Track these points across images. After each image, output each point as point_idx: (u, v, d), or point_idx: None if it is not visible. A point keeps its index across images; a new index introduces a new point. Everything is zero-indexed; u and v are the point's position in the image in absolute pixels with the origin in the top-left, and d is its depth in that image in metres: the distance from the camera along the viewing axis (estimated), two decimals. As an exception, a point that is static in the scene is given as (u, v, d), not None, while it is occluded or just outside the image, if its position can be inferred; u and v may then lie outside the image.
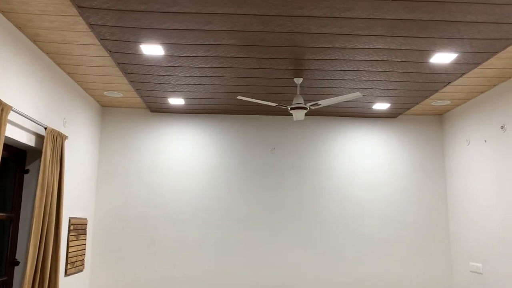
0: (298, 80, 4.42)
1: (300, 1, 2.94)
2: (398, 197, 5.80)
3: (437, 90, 4.78)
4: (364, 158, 5.86)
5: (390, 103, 5.26)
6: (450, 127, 5.78)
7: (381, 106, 5.37)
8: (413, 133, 5.96)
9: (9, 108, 3.12)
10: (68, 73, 4.46)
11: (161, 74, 4.34)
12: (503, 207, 4.59)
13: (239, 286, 5.49)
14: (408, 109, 5.54)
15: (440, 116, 5.99)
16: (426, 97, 5.04)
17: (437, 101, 5.27)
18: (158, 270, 5.46)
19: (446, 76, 4.33)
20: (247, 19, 3.19)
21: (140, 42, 3.62)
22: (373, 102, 5.25)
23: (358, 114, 5.77)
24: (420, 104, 5.42)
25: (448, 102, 5.30)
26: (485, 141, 4.95)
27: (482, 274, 4.97)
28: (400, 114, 5.80)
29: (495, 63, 4.03)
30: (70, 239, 4.64)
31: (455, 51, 3.73)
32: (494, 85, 4.69)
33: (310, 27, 3.32)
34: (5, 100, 3.28)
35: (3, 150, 3.60)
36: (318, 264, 5.60)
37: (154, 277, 5.44)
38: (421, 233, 5.74)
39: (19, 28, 3.44)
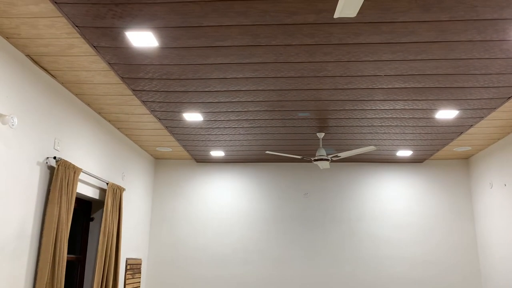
0: (320, 135, 5.00)
1: (308, 79, 3.57)
2: (427, 238, 6.09)
3: (452, 139, 5.17)
4: (393, 201, 6.24)
5: (412, 150, 5.69)
6: (475, 170, 6.06)
7: (404, 153, 5.80)
8: (440, 177, 6.28)
9: (80, 170, 3.94)
10: (126, 135, 5.32)
11: (202, 134, 5.09)
12: (522, 249, 4.81)
13: (277, 322, 5.94)
14: (431, 155, 5.92)
15: (466, 160, 6.30)
16: (444, 145, 5.43)
17: (458, 147, 5.62)
18: (204, 306, 6.05)
19: (456, 127, 4.75)
20: (267, 93, 3.87)
21: (182, 112, 4.39)
22: (396, 150, 5.70)
23: (386, 160, 6.21)
24: (444, 150, 5.78)
25: (469, 148, 5.64)
26: (505, 185, 5.23)
27: (510, 314, 5.13)
28: (426, 159, 6.17)
29: (500, 115, 4.42)
30: (127, 277, 5.36)
31: (456, 109, 4.19)
32: (508, 133, 5.02)
33: (321, 96, 3.94)
34: (76, 164, 4.12)
35: (74, 202, 4.43)
36: (351, 302, 5.95)
37: (200, 313, 6.02)
38: (452, 273, 5.96)
39: (88, 104, 4.32)
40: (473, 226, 6.10)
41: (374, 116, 4.44)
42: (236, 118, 4.56)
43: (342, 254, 6.12)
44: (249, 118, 4.56)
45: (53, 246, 3.46)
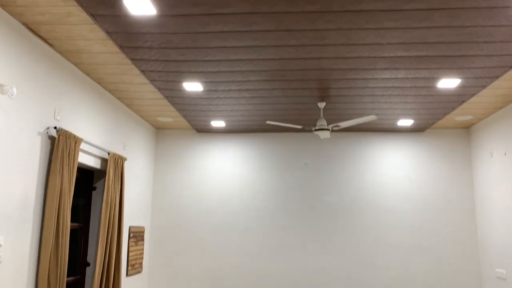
0: (322, 104, 4.98)
1: (309, 48, 3.52)
2: (426, 207, 6.16)
3: (454, 108, 5.15)
4: (393, 170, 6.28)
5: (413, 120, 5.67)
6: (476, 139, 6.07)
7: (405, 122, 5.78)
8: (441, 146, 6.29)
9: (81, 140, 3.94)
10: (127, 104, 5.30)
11: (202, 103, 5.07)
12: (520, 217, 4.87)
13: (275, 284, 6.10)
14: (433, 124, 5.91)
15: (467, 129, 6.29)
16: (445, 114, 5.41)
17: (460, 116, 5.60)
18: (206, 269, 6.18)
19: (458, 96, 4.72)
20: (267, 62, 3.83)
21: (182, 82, 4.36)
22: (397, 119, 5.68)
23: (386, 129, 6.21)
24: (445, 119, 5.76)
25: (471, 116, 5.62)
26: (505, 154, 5.24)
27: (506, 279, 5.24)
28: (427, 128, 6.16)
29: (503, 84, 4.38)
30: (130, 245, 5.46)
31: (458, 78, 4.15)
32: (510, 102, 4.99)
33: (322, 65, 3.89)
34: (77, 134, 4.12)
35: (76, 172, 4.45)
36: (349, 268, 6.07)
37: (202, 275, 6.16)
38: (450, 240, 6.05)
39: (87, 74, 4.28)
40: (472, 194, 6.15)
41: (375, 85, 4.41)
42: (237, 88, 4.53)
43: (342, 222, 6.20)
44: (250, 88, 4.53)
45: (56, 215, 3.51)
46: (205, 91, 4.62)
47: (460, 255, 6.01)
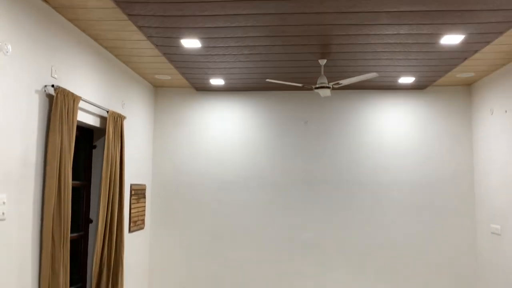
0: (322, 62, 4.90)
1: (311, 2, 3.43)
2: (425, 165, 6.20)
3: (456, 65, 5.08)
4: (394, 129, 6.28)
5: (414, 77, 5.61)
6: (477, 97, 6.03)
7: (406, 80, 5.72)
8: (441, 104, 6.26)
9: (79, 98, 3.91)
10: (124, 62, 5.21)
11: (201, 61, 4.99)
12: (517, 174, 4.92)
13: (275, 241, 6.23)
14: (434, 81, 5.85)
15: (468, 87, 6.23)
16: (447, 71, 5.35)
17: (461, 73, 5.54)
18: (206, 226, 6.31)
19: (461, 53, 4.64)
20: (267, 17, 3.73)
21: (180, 38, 4.27)
22: (398, 77, 5.62)
23: (387, 87, 6.15)
24: (446, 76, 5.70)
25: (472, 74, 5.56)
26: (506, 111, 5.22)
27: (500, 235, 5.35)
28: (428, 86, 6.11)
29: (507, 40, 4.30)
30: (132, 202, 5.54)
31: (461, 33, 4.06)
32: (513, 58, 4.92)
33: (323, 20, 3.80)
34: (75, 92, 4.08)
35: (76, 130, 4.45)
36: (347, 226, 6.19)
37: (202, 232, 6.29)
38: (448, 198, 6.14)
39: (83, 30, 4.19)
40: (471, 152, 6.18)
41: (377, 42, 4.32)
42: (236, 45, 4.45)
43: (341, 180, 6.26)
44: (249, 45, 4.44)
45: (57, 173, 3.53)
46: (203, 47, 4.54)
47: (457, 212, 6.12)
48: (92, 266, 4.40)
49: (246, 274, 6.23)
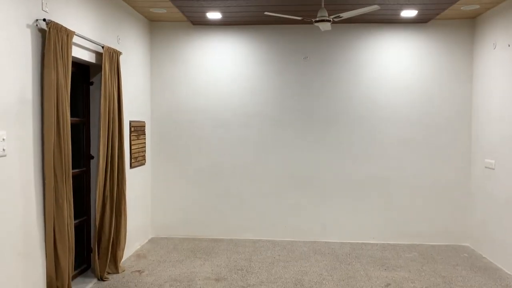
0: (322, -7, 4.73)
1: None
2: (424, 101, 6.18)
3: (460, -3, 4.91)
4: (394, 64, 6.19)
5: (417, 9, 5.44)
6: (480, 31, 5.88)
7: (409, 13, 5.55)
8: (444, 37, 6.12)
9: (73, 33, 3.82)
10: (117, -5, 5.04)
11: (197, -7, 4.82)
12: (515, 109, 4.92)
13: (272, 176, 6.37)
14: (437, 14, 5.68)
15: (472, 20, 6.06)
16: (451, 3, 5.17)
17: (466, 5, 5.36)
18: (206, 161, 6.42)
19: (466, -16, 4.46)
20: None
21: (174, -32, 4.09)
22: (400, 10, 5.45)
23: (389, 20, 5.98)
24: (450, 9, 5.52)
25: (477, 6, 5.38)
26: (509, 45, 5.12)
27: (494, 169, 5.46)
28: (431, 19, 5.94)
29: (515, -31, 4.12)
30: (132, 139, 5.59)
31: (468, -38, 3.89)
32: (521, -11, 4.74)
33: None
34: (69, 27, 3.98)
35: (72, 66, 4.39)
36: (346, 159, 6.29)
37: (203, 167, 6.42)
38: (445, 133, 6.19)
39: (73, -40, 4.01)
40: (471, 87, 6.14)
41: (380, -28, 4.15)
42: (233, -25, 4.27)
43: (339, 115, 6.28)
44: (247, -25, 4.26)
45: (55, 110, 3.54)
46: (199, -21, 4.36)
47: (453, 146, 6.19)
48: (96, 200, 4.53)
49: (245, 205, 6.43)
